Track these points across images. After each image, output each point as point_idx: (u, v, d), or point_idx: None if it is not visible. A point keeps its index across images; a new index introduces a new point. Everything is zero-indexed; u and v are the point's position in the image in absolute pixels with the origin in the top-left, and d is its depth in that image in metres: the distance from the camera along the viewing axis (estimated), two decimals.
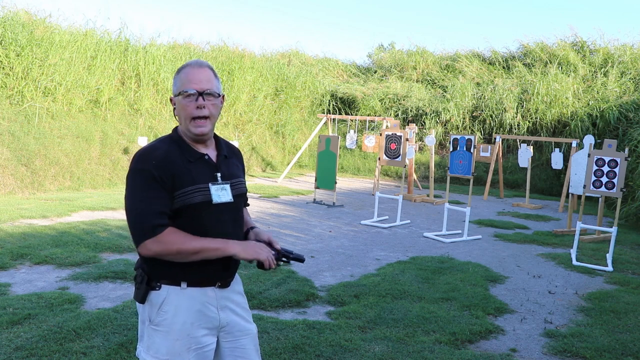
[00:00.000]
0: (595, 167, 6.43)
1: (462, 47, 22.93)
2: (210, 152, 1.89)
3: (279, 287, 4.65)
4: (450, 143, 7.87)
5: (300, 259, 1.95)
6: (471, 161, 7.55)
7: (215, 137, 1.95)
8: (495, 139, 11.88)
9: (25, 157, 9.08)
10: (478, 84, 16.70)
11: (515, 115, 14.70)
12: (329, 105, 17.84)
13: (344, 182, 13.50)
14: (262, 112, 15.75)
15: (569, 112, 14.02)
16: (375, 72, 20.08)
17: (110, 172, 10.59)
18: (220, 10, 57.17)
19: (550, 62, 16.14)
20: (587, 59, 16.13)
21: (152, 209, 1.69)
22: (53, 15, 17.64)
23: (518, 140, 13.04)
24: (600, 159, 6.42)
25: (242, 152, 2.95)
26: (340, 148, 15.50)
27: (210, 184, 1.81)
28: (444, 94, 16.55)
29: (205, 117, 1.81)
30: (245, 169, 2.14)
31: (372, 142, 11.78)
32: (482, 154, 11.92)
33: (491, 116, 15.11)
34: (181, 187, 1.74)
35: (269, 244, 1.94)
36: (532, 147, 12.00)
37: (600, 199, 7.69)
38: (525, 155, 11.19)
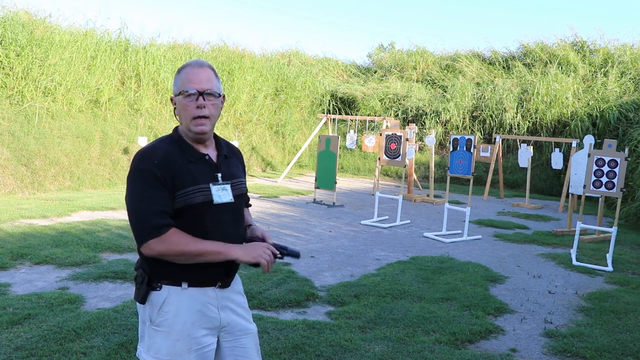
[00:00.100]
0: (595, 167, 6.43)
1: (462, 47, 22.96)
2: (211, 152, 1.89)
3: (279, 287, 4.65)
4: (450, 143, 7.87)
5: (295, 255, 1.92)
6: (471, 161, 7.55)
7: (215, 137, 1.95)
8: (495, 139, 11.88)
9: (25, 157, 9.08)
10: (478, 84, 16.70)
11: (515, 115, 14.70)
12: (329, 105, 17.84)
13: (344, 182, 13.50)
14: (262, 112, 15.75)
15: (569, 112, 14.02)
16: (375, 72, 20.08)
17: (110, 172, 10.59)
18: (220, 10, 57.19)
19: (550, 62, 16.14)
20: (587, 59, 16.13)
21: (154, 208, 1.69)
22: (53, 15, 17.66)
23: (518, 140, 13.04)
24: (600, 159, 6.42)
25: (242, 152, 2.93)
26: (340, 148, 15.50)
27: (211, 184, 1.80)
28: (444, 94, 16.55)
29: (206, 117, 1.81)
30: (246, 168, 2.13)
31: (372, 142, 11.78)
32: (482, 154, 11.92)
33: (491, 116, 15.12)
34: (182, 187, 1.74)
35: (262, 240, 1.94)
36: (532, 147, 12.00)
37: (600, 199, 7.69)
38: (525, 155, 11.19)
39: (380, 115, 15.94)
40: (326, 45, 52.53)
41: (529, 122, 14.52)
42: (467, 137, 7.64)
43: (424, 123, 16.04)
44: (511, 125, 14.68)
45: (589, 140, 8.00)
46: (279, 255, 1.89)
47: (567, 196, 10.23)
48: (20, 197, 8.49)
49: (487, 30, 54.91)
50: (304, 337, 3.56)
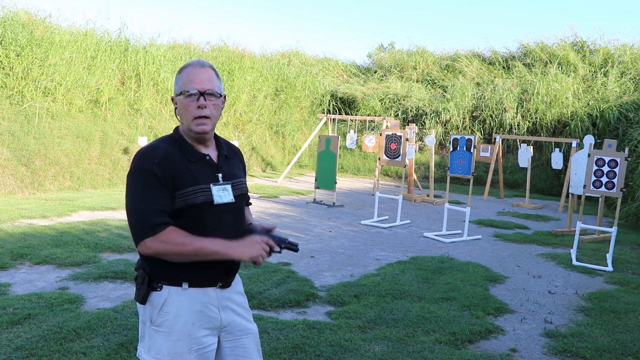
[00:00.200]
0: (595, 167, 6.43)
1: (462, 47, 22.96)
2: (211, 152, 1.89)
3: (279, 287, 4.65)
4: (450, 143, 7.87)
5: (294, 246, 1.91)
6: (471, 161, 7.55)
7: (216, 137, 1.95)
8: (495, 139, 11.88)
9: (25, 157, 9.08)
10: (478, 84, 16.70)
11: (515, 115, 14.70)
12: (329, 105, 17.84)
13: (344, 182, 13.50)
14: (262, 112, 15.75)
15: (569, 112, 14.02)
16: (375, 72, 20.09)
17: (110, 172, 10.59)
18: (220, 10, 57.19)
19: (550, 62, 16.14)
20: (587, 59, 16.13)
21: (153, 207, 1.69)
22: (53, 15, 17.66)
23: (518, 140, 13.04)
24: (600, 159, 6.42)
25: (242, 152, 2.93)
26: (340, 148, 15.49)
27: (211, 185, 1.80)
28: (444, 94, 16.55)
29: (207, 117, 1.81)
30: (246, 168, 2.13)
31: (372, 142, 11.78)
32: (482, 154, 11.92)
33: (491, 116, 15.12)
34: (182, 187, 1.74)
35: (264, 231, 1.93)
36: (532, 147, 12.00)
37: (600, 199, 7.69)
38: (525, 155, 11.19)
39: (380, 115, 15.94)
40: (326, 45, 52.57)
41: (529, 122, 14.52)
42: (467, 137, 7.64)
43: (424, 123, 16.04)
44: (511, 125, 14.68)
45: (589, 140, 8.00)
46: (278, 250, 1.89)
47: (567, 196, 10.23)
48: (20, 197, 8.49)
49: (487, 30, 54.93)
50: (304, 337, 3.56)
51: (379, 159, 9.19)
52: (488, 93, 15.57)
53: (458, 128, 15.54)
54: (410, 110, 16.38)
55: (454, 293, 4.72)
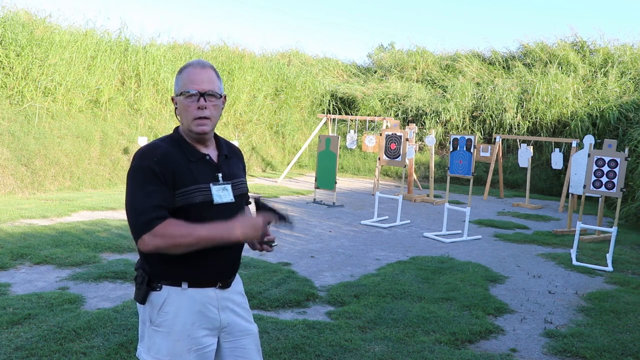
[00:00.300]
0: (595, 167, 6.43)
1: (462, 47, 22.96)
2: (211, 152, 1.89)
3: (279, 287, 4.65)
4: (450, 143, 7.87)
5: (289, 222, 1.93)
6: (471, 161, 7.55)
7: (216, 136, 1.95)
8: (495, 139, 11.88)
9: (25, 157, 9.08)
10: (478, 84, 16.70)
11: (515, 115, 14.70)
12: (329, 105, 17.84)
13: (344, 182, 13.50)
14: (262, 112, 15.75)
15: (569, 112, 14.02)
16: (375, 72, 20.09)
17: (110, 172, 10.59)
18: (220, 10, 57.20)
19: (550, 62, 16.14)
20: (587, 59, 16.13)
21: (150, 203, 1.67)
22: (53, 15, 17.66)
23: (518, 140, 13.04)
24: (600, 159, 6.42)
25: (242, 152, 2.93)
26: (340, 148, 15.49)
27: (211, 184, 1.80)
28: (444, 94, 16.56)
29: (207, 118, 1.80)
30: (246, 168, 2.13)
31: (372, 142, 11.78)
32: (482, 154, 11.92)
33: (491, 116, 15.12)
34: (182, 186, 1.74)
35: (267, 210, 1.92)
36: (532, 147, 12.00)
37: (600, 199, 7.69)
38: (525, 155, 11.19)
39: (380, 115, 15.94)
40: (326, 45, 52.59)
41: (529, 122, 14.52)
42: (467, 137, 7.64)
43: (424, 123, 16.04)
44: (511, 125, 14.68)
45: (589, 140, 8.00)
46: (275, 243, 1.91)
47: (567, 196, 10.23)
48: (20, 197, 8.49)
49: (487, 30, 54.94)
50: (304, 337, 3.56)
51: (379, 159, 9.19)
52: (488, 93, 15.57)
53: (458, 128, 15.54)
54: (410, 110, 16.38)
55: (454, 293, 4.72)
